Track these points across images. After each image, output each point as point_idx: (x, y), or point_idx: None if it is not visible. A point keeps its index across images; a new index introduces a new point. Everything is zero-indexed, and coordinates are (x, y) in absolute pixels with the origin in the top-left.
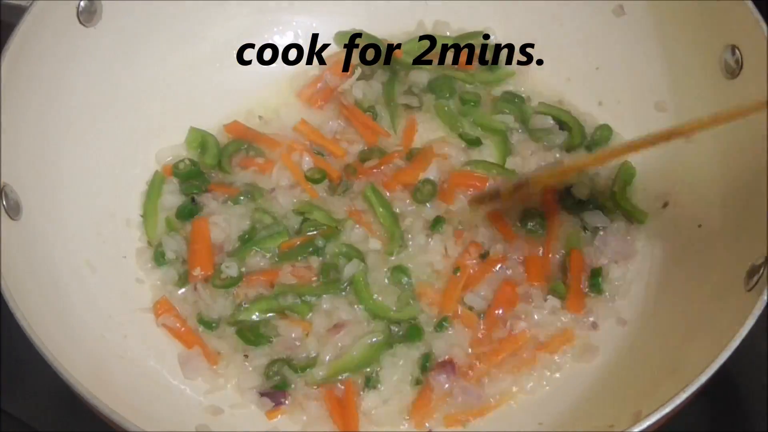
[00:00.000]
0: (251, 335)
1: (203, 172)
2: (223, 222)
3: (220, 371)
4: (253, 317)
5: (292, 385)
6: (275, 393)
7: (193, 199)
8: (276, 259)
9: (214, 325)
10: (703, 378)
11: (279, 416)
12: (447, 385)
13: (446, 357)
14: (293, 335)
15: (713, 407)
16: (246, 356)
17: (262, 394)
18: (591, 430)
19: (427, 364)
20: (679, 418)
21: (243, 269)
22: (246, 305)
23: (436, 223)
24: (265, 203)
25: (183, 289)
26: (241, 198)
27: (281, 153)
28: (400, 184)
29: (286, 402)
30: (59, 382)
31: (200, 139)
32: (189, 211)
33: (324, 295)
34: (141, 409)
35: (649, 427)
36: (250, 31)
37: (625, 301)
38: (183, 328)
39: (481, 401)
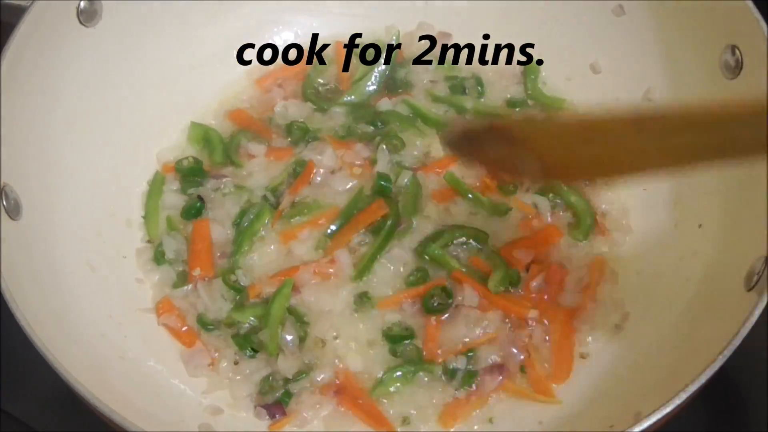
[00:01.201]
0: (243, 341)
1: (206, 170)
2: (222, 214)
3: (221, 371)
4: (249, 322)
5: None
6: (271, 406)
7: (200, 198)
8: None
9: (211, 326)
10: (703, 378)
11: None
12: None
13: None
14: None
15: (713, 407)
16: (236, 363)
17: (257, 406)
18: (591, 430)
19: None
20: (679, 418)
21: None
22: (248, 303)
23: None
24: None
25: (181, 289)
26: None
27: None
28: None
29: (278, 416)
30: (59, 382)
31: (203, 135)
32: (198, 210)
33: None
34: (141, 409)
35: (649, 427)
36: (250, 31)
37: (625, 300)
38: (184, 328)
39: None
